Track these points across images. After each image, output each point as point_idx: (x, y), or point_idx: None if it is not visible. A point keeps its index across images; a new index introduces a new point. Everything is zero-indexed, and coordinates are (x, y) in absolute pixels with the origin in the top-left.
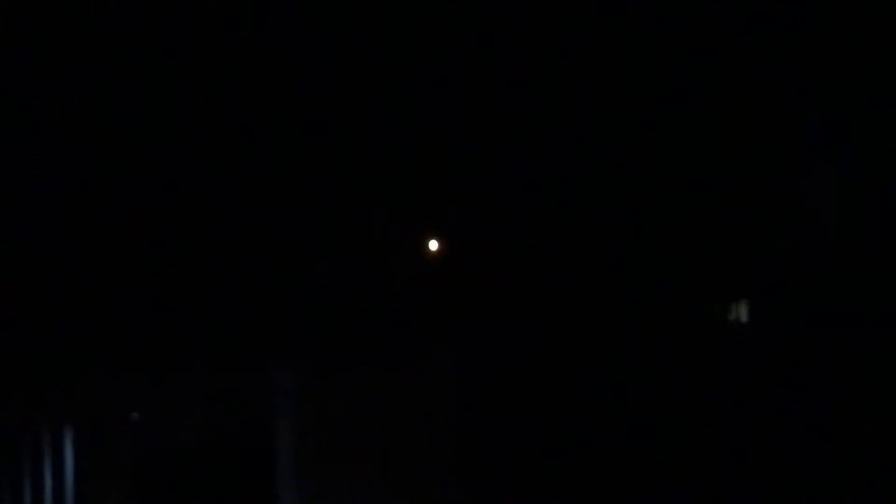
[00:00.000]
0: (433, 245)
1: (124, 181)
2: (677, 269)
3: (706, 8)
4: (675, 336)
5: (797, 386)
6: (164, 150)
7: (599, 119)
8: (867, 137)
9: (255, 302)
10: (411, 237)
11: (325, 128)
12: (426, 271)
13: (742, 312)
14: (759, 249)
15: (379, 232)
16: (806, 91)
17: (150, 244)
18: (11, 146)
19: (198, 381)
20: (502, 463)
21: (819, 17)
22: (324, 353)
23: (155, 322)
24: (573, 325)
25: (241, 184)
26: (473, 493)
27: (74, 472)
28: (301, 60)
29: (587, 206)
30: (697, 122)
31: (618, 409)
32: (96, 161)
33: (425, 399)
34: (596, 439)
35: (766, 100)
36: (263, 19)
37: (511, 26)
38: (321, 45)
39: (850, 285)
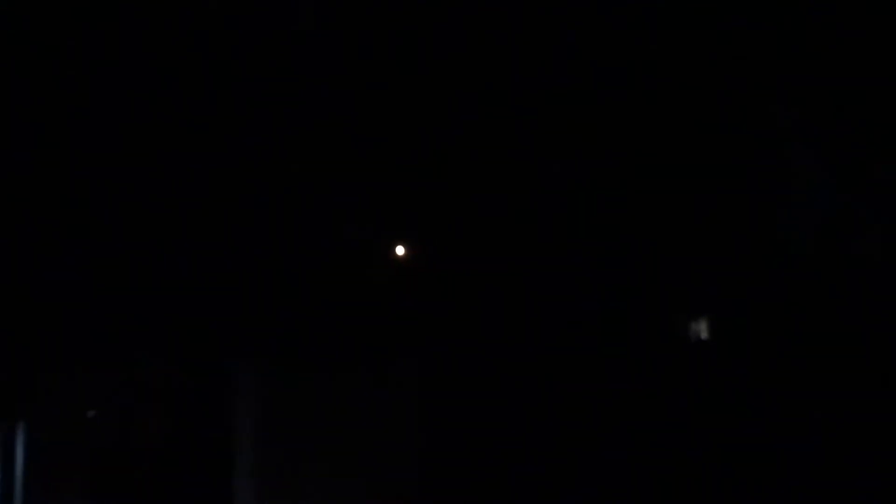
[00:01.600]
0: (400, 250)
1: (80, 179)
2: (642, 281)
3: (675, 17)
4: (639, 345)
5: (757, 405)
6: (121, 148)
7: (569, 129)
8: (841, 156)
9: (215, 301)
10: (378, 241)
11: (290, 131)
12: (392, 275)
13: (703, 330)
14: (721, 266)
15: (345, 235)
16: (776, 112)
17: (108, 240)
18: None
19: (156, 380)
20: (465, 465)
21: (798, 29)
22: (285, 354)
23: (113, 318)
24: (538, 331)
25: (205, 183)
26: (435, 497)
27: (25, 470)
28: (268, 66)
29: (554, 217)
30: (666, 134)
31: (581, 415)
32: (46, 159)
33: (388, 403)
34: (558, 445)
35: (733, 117)
36: (224, 22)
37: (470, 30)
38: (288, 50)
39: (814, 303)
